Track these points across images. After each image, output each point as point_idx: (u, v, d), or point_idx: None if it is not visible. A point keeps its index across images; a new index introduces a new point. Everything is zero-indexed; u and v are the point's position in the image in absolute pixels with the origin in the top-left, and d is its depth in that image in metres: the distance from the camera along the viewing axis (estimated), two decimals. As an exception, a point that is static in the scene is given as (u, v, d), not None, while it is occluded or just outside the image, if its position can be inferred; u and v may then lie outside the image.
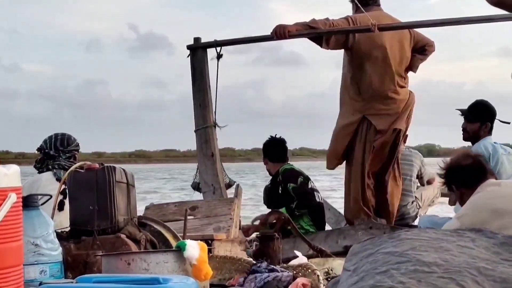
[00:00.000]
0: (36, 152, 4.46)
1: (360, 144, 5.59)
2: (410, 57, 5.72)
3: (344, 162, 5.77)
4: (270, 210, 5.53)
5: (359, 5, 5.44)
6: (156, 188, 27.29)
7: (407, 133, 5.88)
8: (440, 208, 7.30)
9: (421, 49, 5.79)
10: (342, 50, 5.63)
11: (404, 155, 6.16)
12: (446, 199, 7.10)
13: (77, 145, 4.44)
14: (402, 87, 5.67)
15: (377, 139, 5.57)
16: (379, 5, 5.64)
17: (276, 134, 6.14)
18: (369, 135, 5.58)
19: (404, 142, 5.99)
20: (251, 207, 13.57)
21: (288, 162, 6.01)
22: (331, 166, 5.81)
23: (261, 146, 6.18)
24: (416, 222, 5.95)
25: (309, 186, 5.79)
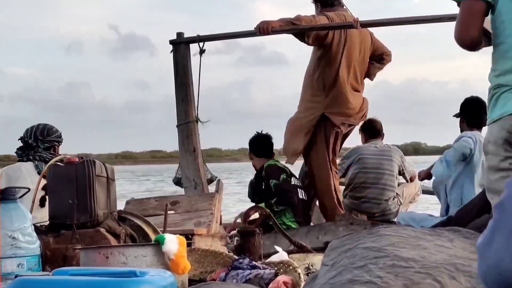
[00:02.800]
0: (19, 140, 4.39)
1: (322, 142, 5.69)
2: (368, 65, 5.83)
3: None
4: (252, 205, 5.54)
5: (336, 2, 5.56)
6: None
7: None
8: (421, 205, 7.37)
9: (379, 58, 5.96)
10: (308, 52, 5.71)
11: (383, 150, 6.23)
12: (427, 196, 7.20)
13: (59, 136, 4.35)
14: (357, 91, 5.80)
15: (333, 133, 5.71)
16: (343, 6, 5.71)
17: (262, 130, 6.18)
18: (328, 131, 5.69)
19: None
20: (235, 202, 13.58)
21: (274, 158, 6.02)
22: (292, 161, 5.90)
23: (247, 146, 6.21)
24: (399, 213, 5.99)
25: (292, 183, 5.80)
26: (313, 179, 5.83)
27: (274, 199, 5.62)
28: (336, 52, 5.58)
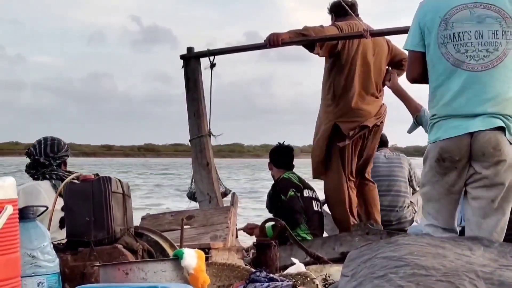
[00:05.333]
0: (25, 156, 4.34)
1: (335, 150, 5.65)
2: (386, 71, 5.81)
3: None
4: (268, 217, 5.53)
5: (350, 11, 5.53)
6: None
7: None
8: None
9: (398, 64, 5.89)
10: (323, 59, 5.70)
11: (392, 158, 6.28)
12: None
13: (67, 150, 4.32)
14: (376, 97, 5.77)
15: (344, 141, 5.62)
16: (357, 15, 5.71)
17: (284, 142, 6.18)
18: (339, 140, 5.63)
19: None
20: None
21: (292, 171, 6.01)
22: (316, 174, 5.83)
23: (269, 142, 6.26)
24: (409, 228, 5.98)
25: (306, 195, 5.77)
26: (327, 190, 5.81)
27: (284, 217, 5.58)
28: (346, 61, 5.57)
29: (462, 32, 3.35)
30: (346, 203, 5.66)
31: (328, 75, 5.69)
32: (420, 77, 3.58)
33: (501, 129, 3.31)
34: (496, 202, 3.36)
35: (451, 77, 3.40)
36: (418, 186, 6.47)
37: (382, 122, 5.82)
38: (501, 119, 3.32)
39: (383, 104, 5.84)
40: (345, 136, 5.63)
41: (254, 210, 14.36)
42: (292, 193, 5.73)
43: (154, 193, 24.26)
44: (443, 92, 3.43)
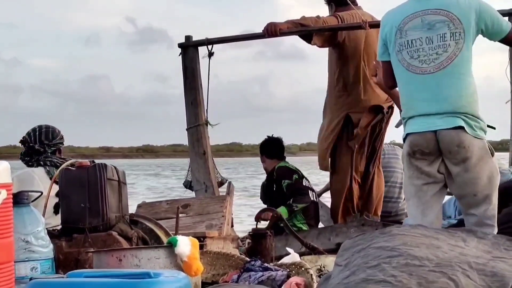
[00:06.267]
0: (20, 144, 4.34)
1: (344, 142, 5.60)
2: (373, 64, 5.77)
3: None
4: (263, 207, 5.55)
5: (350, 2, 5.48)
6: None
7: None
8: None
9: None
10: (327, 49, 5.66)
11: (388, 149, 6.23)
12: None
13: (62, 137, 4.31)
14: None
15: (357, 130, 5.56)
16: (356, 4, 5.66)
17: (272, 134, 6.23)
18: (350, 132, 5.58)
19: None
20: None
21: (285, 161, 6.03)
22: (324, 166, 5.79)
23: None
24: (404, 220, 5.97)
25: (304, 184, 5.82)
26: (332, 180, 5.79)
27: (292, 199, 5.65)
28: (354, 51, 5.52)
29: (414, 39, 3.58)
30: (350, 198, 5.62)
31: (335, 67, 5.62)
32: (394, 83, 3.83)
33: (461, 128, 3.48)
34: (479, 194, 3.52)
35: (409, 82, 3.63)
36: None
37: (392, 107, 5.77)
38: (461, 118, 3.49)
39: None
40: (356, 128, 5.58)
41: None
42: (297, 176, 5.81)
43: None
44: (404, 95, 3.70)
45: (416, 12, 3.60)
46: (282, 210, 5.45)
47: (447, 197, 4.95)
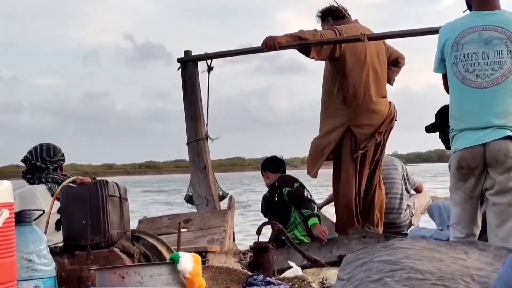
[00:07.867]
0: (21, 163, 4.37)
1: (347, 154, 5.62)
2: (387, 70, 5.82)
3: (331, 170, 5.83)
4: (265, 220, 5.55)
5: (347, 14, 5.53)
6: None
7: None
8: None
9: (395, 62, 5.98)
10: (323, 62, 5.69)
11: (387, 161, 6.27)
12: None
13: (63, 155, 4.35)
14: (384, 97, 5.78)
15: (360, 148, 5.62)
16: (350, 18, 5.70)
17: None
18: (354, 144, 5.64)
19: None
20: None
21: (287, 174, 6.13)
22: (313, 173, 5.83)
23: (270, 155, 6.44)
24: (409, 230, 5.97)
25: (305, 194, 5.84)
26: (335, 192, 5.80)
27: (299, 206, 5.71)
28: (354, 64, 5.55)
29: (470, 53, 3.74)
30: (353, 207, 5.65)
31: (334, 80, 5.65)
32: (447, 89, 3.96)
33: (510, 138, 3.67)
34: None
35: (462, 94, 3.79)
36: (413, 189, 6.51)
37: (395, 120, 5.81)
38: (509, 129, 3.69)
39: (391, 102, 5.84)
40: (357, 140, 5.64)
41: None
42: (298, 184, 5.86)
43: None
44: (456, 108, 3.85)
45: (474, 26, 3.75)
46: (313, 220, 5.55)
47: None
